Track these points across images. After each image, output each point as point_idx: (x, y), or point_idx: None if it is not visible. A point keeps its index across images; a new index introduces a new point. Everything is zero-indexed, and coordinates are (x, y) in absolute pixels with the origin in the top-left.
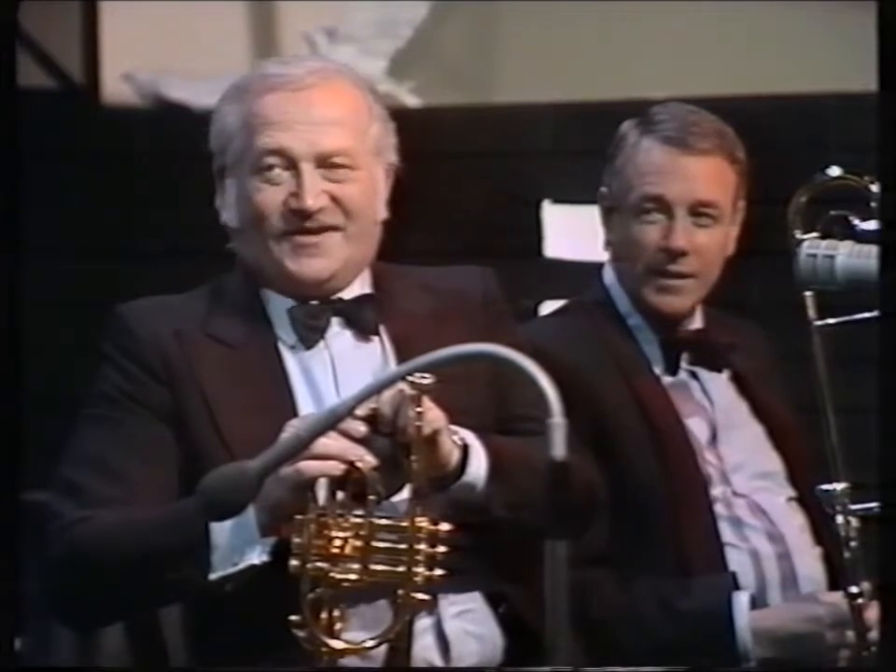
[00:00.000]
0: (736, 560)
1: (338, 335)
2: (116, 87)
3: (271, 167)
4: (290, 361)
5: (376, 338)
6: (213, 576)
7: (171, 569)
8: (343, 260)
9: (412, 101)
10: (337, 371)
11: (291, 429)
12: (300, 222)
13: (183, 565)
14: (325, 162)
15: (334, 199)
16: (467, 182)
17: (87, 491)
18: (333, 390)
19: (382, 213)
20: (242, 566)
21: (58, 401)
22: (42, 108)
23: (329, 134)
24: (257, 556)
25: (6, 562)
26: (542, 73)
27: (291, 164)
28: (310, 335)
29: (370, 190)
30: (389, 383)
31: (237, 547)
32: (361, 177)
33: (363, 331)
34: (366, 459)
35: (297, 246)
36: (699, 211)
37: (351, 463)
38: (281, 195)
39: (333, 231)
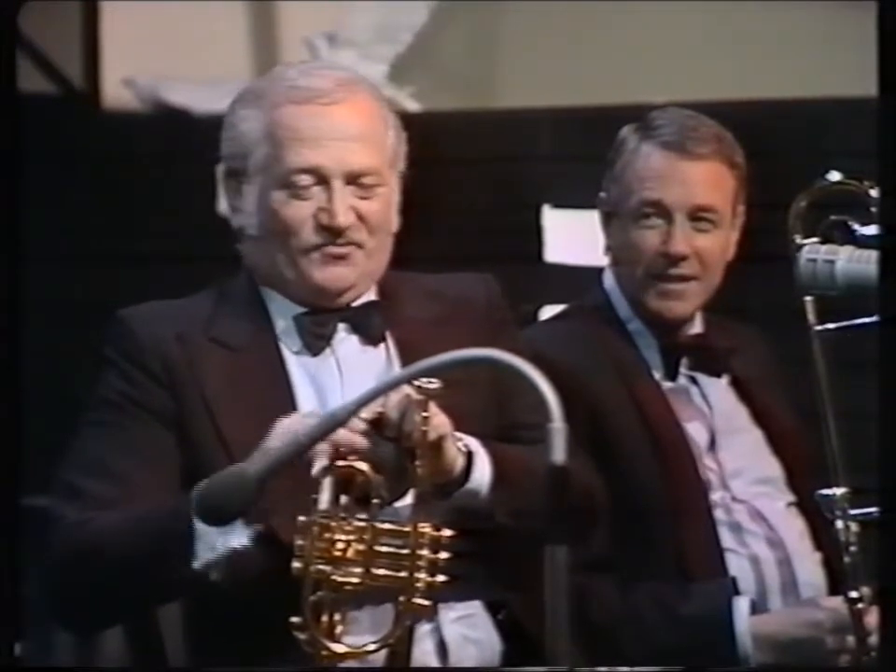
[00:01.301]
0: (736, 565)
1: (344, 340)
2: (116, 91)
3: (301, 183)
4: (294, 366)
5: (382, 344)
6: (196, 564)
7: (159, 561)
8: (362, 272)
9: (412, 106)
10: (343, 375)
11: (282, 428)
12: (329, 238)
13: (170, 555)
14: (354, 180)
15: (360, 216)
16: (467, 187)
17: (88, 495)
18: (339, 395)
19: (396, 224)
20: (222, 550)
21: (59, 405)
22: (43, 113)
23: (358, 152)
24: (236, 540)
25: (6, 566)
26: (542, 77)
27: (322, 180)
28: (316, 342)
29: (390, 204)
30: (389, 387)
31: (218, 532)
32: (384, 193)
33: (369, 338)
34: (368, 449)
35: (326, 257)
36: (698, 216)
37: (352, 453)
38: (309, 209)
39: (357, 247)
